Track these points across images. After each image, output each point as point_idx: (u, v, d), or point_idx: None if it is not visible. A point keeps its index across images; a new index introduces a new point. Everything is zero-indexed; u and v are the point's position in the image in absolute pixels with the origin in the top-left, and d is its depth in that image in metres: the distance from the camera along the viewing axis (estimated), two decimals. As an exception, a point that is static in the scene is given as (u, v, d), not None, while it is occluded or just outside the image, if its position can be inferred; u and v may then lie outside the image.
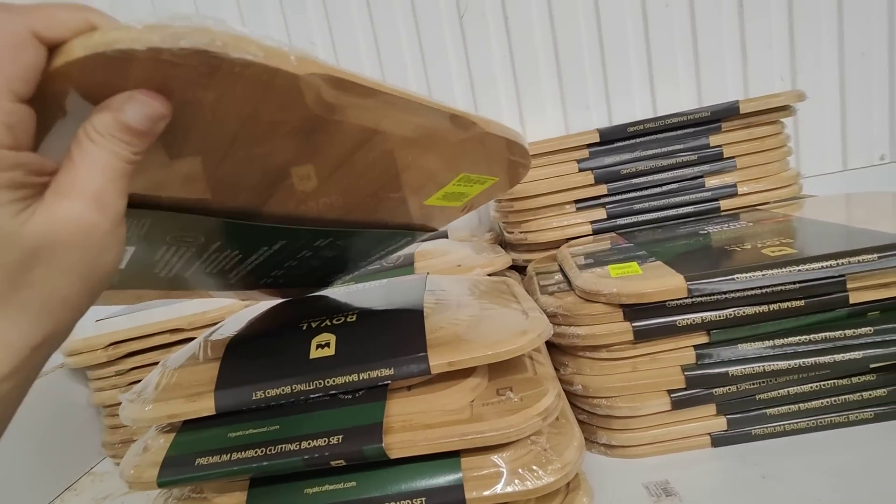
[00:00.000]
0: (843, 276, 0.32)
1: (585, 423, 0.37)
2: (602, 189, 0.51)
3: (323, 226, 0.25)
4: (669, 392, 0.34)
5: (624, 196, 0.51)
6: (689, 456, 0.35)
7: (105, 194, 0.13)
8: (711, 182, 0.51)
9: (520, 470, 0.25)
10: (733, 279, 0.32)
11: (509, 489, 0.25)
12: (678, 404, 0.34)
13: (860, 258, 0.31)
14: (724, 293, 0.32)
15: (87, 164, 0.13)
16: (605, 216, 0.52)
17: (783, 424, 0.34)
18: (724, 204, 0.51)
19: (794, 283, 0.32)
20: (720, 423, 0.35)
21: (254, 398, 0.27)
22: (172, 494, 0.29)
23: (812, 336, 0.33)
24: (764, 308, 0.33)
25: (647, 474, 0.33)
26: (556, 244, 0.51)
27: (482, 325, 0.28)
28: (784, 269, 0.32)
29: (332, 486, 0.26)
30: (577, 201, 0.52)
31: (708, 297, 0.33)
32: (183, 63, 0.13)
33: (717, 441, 0.35)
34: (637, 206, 0.51)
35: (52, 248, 0.13)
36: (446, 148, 0.22)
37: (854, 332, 0.32)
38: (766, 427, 0.34)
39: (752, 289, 0.32)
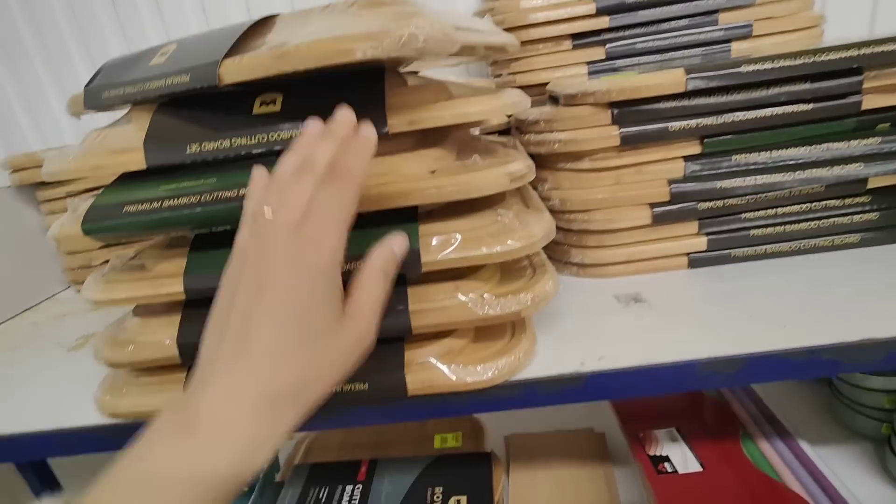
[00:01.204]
0: (860, 68, 0.28)
1: (559, 243, 0.35)
2: (604, 21, 0.45)
3: None
4: (651, 206, 0.32)
5: (626, 32, 0.46)
6: (663, 276, 0.33)
7: (376, 316, 0.21)
8: (725, 18, 0.45)
9: (484, 237, 0.23)
10: (738, 71, 0.28)
11: (471, 253, 0.23)
12: (659, 218, 0.32)
13: (882, 48, 0.27)
14: (727, 90, 0.29)
15: (371, 298, 0.21)
16: (604, 56, 0.47)
17: (765, 248, 0.33)
18: (736, 47, 0.46)
19: (807, 77, 0.28)
20: (700, 243, 0.33)
21: (189, 152, 0.24)
22: (112, 266, 0.27)
23: (813, 147, 0.30)
24: (766, 112, 0.30)
25: (619, 289, 0.32)
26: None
27: (452, 93, 0.25)
28: (797, 60, 0.28)
29: (277, 248, 0.24)
30: (574, 36, 0.46)
31: (706, 98, 0.30)
32: None
33: (695, 262, 0.33)
34: (640, 46, 0.46)
35: (350, 350, 0.20)
36: None
37: (860, 143, 0.30)
38: (748, 249, 0.33)
39: (756, 84, 0.29)
